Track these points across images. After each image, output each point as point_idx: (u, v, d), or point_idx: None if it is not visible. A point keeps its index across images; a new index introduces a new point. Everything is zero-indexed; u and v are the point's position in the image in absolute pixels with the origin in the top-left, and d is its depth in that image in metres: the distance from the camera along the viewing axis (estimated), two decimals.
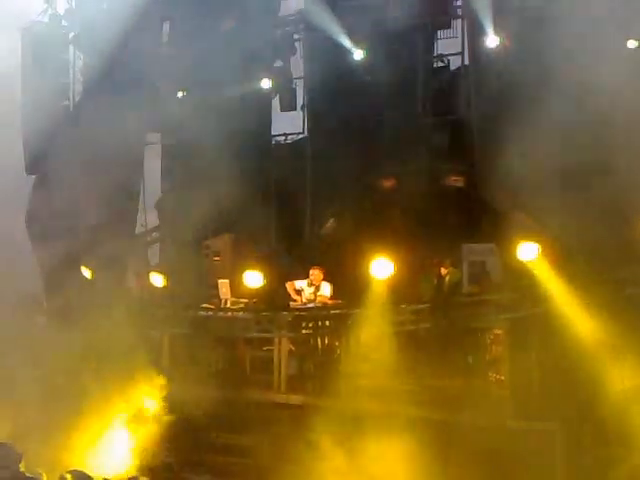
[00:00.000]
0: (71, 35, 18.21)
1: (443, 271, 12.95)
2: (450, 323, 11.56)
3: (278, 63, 17.08)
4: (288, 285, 13.81)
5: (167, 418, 13.76)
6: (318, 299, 13.44)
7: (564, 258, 11.34)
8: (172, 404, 13.81)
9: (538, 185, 12.83)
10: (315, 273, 13.57)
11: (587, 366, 10.15)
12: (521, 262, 11.16)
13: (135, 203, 17.90)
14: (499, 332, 11.35)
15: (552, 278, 10.82)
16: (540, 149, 12.88)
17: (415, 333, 12.11)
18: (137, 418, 13.45)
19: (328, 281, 13.55)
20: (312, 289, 13.55)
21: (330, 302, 13.35)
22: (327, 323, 12.85)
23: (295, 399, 12.57)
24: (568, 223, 11.98)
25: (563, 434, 10.25)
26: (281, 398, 12.74)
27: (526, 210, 13.00)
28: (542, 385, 10.84)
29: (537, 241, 11.16)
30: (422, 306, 12.00)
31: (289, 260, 15.74)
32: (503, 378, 11.17)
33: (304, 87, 17.08)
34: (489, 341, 11.59)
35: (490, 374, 11.42)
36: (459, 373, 11.63)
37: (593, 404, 9.99)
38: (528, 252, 11.07)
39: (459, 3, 15.22)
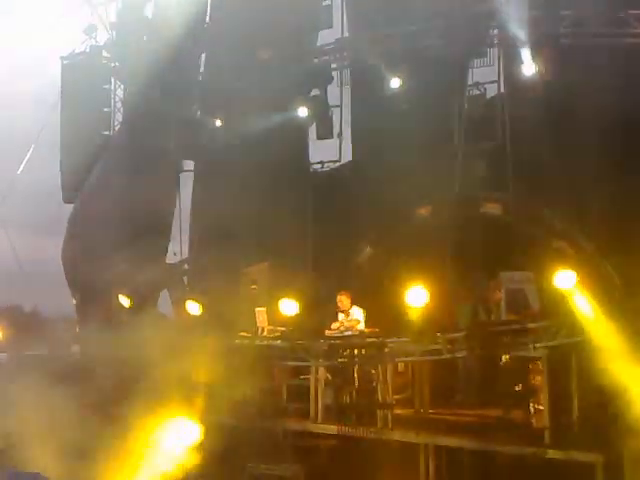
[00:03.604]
0: (112, 66, 18.54)
1: (498, 295, 12.31)
2: (489, 352, 11.42)
3: (315, 91, 17.20)
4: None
5: (202, 447, 13.77)
6: (346, 324, 13.19)
7: (603, 285, 11.18)
8: (207, 433, 13.82)
9: (576, 212, 12.72)
10: (342, 299, 13.34)
11: (627, 395, 9.97)
12: (559, 290, 11.01)
13: (167, 232, 18.06)
14: (538, 361, 11.20)
15: (591, 306, 10.67)
16: (577, 176, 12.79)
17: (452, 362, 11.99)
18: (172, 446, 13.46)
19: (363, 307, 13.38)
20: (343, 315, 13.36)
21: (366, 330, 13.25)
22: (363, 351, 12.75)
23: (331, 429, 12.47)
24: (606, 249, 11.84)
25: (604, 465, 10.04)
26: (317, 428, 12.64)
27: (564, 237, 12.87)
28: (582, 415, 10.68)
29: (575, 268, 11.01)
30: (459, 334, 11.87)
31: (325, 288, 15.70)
32: (542, 407, 11.00)
33: (340, 115, 17.20)
34: (528, 370, 11.44)
35: (529, 403, 11.25)
36: (498, 402, 11.48)
37: (634, 434, 9.79)
38: (566, 280, 10.91)
39: (495, 32, 15.22)
